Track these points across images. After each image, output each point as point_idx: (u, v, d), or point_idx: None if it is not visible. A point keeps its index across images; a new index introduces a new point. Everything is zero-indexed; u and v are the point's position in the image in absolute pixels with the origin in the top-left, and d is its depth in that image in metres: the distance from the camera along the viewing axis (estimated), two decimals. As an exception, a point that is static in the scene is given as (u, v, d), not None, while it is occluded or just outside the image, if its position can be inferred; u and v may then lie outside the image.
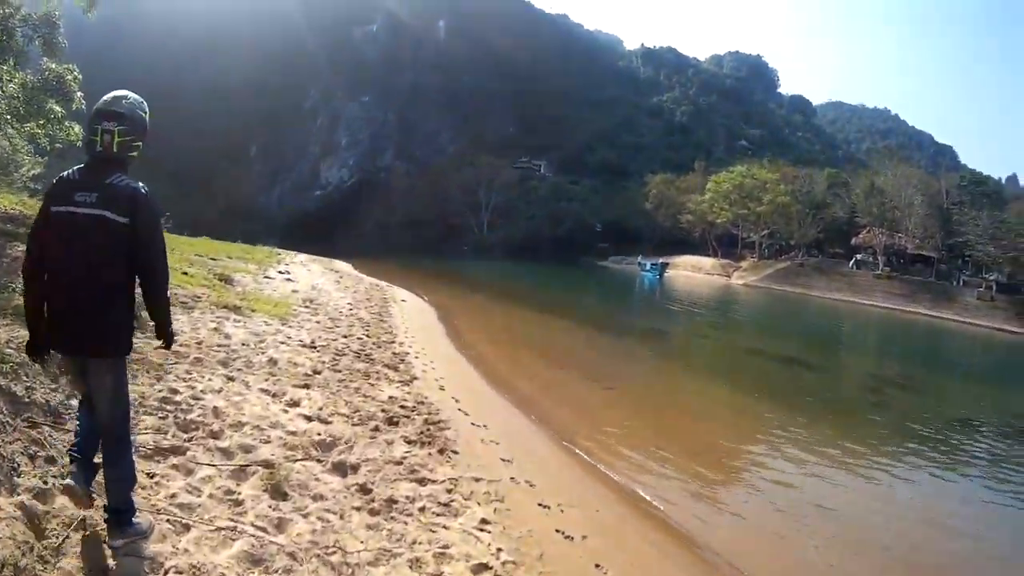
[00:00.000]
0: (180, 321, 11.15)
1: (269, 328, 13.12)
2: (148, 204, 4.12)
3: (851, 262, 79.94)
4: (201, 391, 7.98)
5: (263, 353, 10.91)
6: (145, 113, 4.36)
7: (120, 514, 4.25)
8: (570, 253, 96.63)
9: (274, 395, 8.87)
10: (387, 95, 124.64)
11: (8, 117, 18.78)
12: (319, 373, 10.58)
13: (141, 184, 4.12)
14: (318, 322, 15.48)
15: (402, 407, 9.70)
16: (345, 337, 14.33)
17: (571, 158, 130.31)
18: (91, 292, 3.97)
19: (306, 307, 17.56)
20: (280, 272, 25.99)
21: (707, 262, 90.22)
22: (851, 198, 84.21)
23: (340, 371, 11.02)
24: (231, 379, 9.00)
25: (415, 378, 11.81)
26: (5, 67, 17.89)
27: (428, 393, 10.92)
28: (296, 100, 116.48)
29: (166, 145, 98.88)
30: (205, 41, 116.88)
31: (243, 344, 11.18)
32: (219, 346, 10.60)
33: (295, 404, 8.71)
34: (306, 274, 28.61)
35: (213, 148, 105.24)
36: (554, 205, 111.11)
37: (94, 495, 4.35)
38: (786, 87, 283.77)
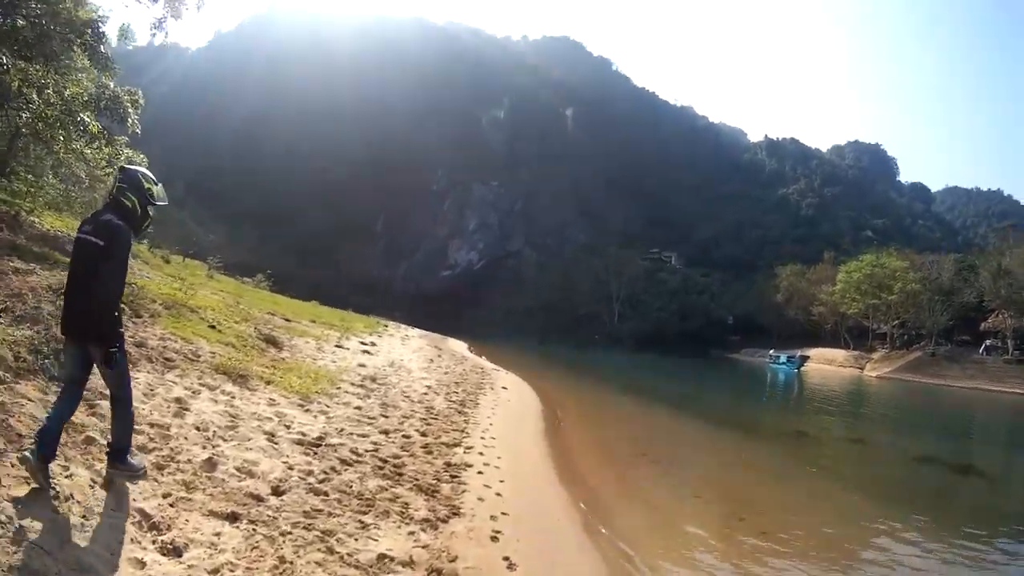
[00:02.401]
0: (141, 382, 8.20)
1: (268, 410, 9.36)
2: (120, 232, 5.35)
3: (981, 348, 73.99)
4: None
5: (208, 446, 7.01)
6: (147, 185, 5.68)
7: (121, 451, 5.54)
8: (700, 345, 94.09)
9: (147, 529, 5.24)
10: (515, 182, 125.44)
11: (39, 126, 18.14)
12: (280, 493, 6.43)
13: (117, 220, 5.39)
14: (358, 408, 11.46)
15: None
16: (385, 434, 10.18)
17: (699, 251, 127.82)
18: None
19: (361, 386, 13.73)
20: (363, 343, 22.83)
21: (839, 354, 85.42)
22: (979, 282, 78.48)
23: (325, 493, 6.79)
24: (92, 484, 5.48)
25: (456, 513, 7.34)
26: (34, 68, 17.21)
27: (463, 548, 6.36)
28: (424, 181, 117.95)
29: (292, 213, 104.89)
30: (333, 107, 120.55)
31: (196, 428, 7.35)
32: (154, 427, 6.99)
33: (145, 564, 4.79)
34: (397, 348, 25.35)
35: (339, 221, 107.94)
36: (684, 298, 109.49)
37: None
38: (904, 173, 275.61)
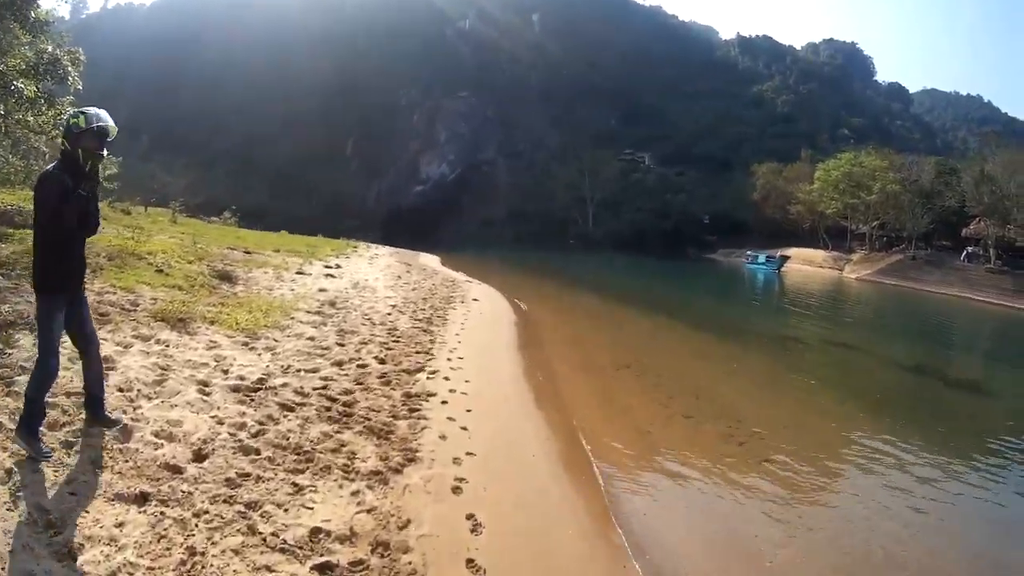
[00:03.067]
0: (67, 346, 6.40)
1: (206, 354, 8.47)
2: (41, 179, 5.39)
3: (962, 255, 72.38)
4: None
5: (129, 410, 6.24)
6: (72, 120, 5.54)
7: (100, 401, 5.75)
8: (677, 246, 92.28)
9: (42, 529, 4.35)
10: (486, 91, 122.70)
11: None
12: (202, 459, 5.58)
13: (48, 167, 5.41)
14: (311, 339, 10.53)
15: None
16: (339, 365, 9.27)
17: (675, 150, 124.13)
18: None
19: (318, 313, 12.87)
20: (327, 267, 21.85)
21: (818, 255, 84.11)
22: (960, 187, 76.98)
23: (256, 450, 5.91)
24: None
25: (412, 459, 6.46)
26: None
27: (417, 506, 5.49)
28: (390, 98, 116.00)
29: (262, 148, 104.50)
30: (294, 42, 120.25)
31: (118, 390, 6.54)
32: (71, 396, 6.25)
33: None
34: (363, 269, 24.22)
35: (309, 149, 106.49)
36: (660, 198, 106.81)
37: None
38: (881, 74, 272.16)
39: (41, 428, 5.13)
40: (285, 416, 6.79)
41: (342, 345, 10.36)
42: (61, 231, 5.28)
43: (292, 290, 15.25)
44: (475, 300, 18.93)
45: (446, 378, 9.47)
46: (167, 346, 8.36)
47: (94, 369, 5.67)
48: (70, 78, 19.13)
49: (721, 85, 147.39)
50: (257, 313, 11.35)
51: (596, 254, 75.60)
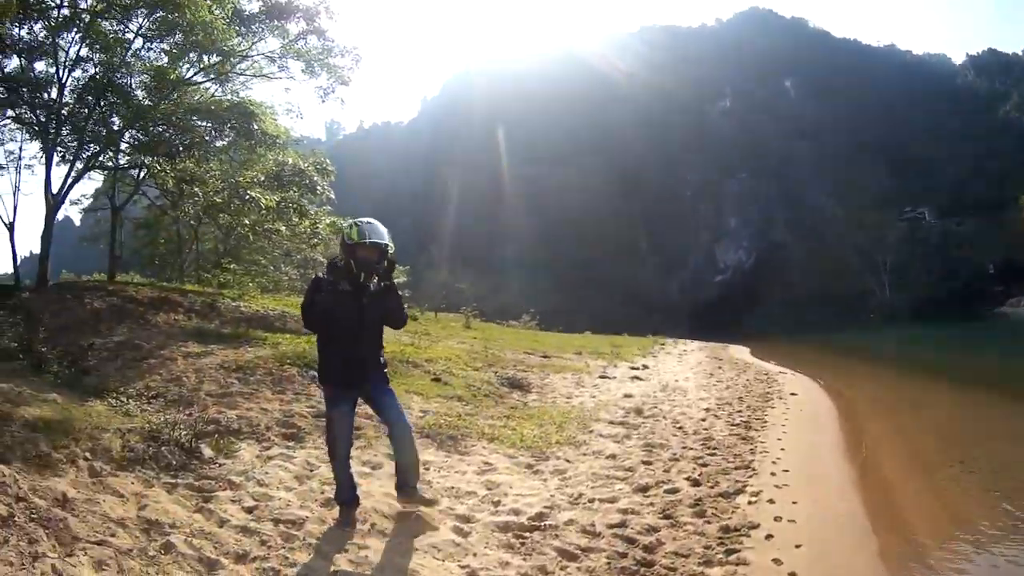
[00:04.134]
0: (298, 461, 7.39)
1: (475, 480, 7.59)
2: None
3: None
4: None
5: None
6: (345, 231, 5.97)
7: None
8: (966, 303, 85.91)
9: None
10: (759, 169, 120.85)
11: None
12: None
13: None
14: (612, 456, 9.09)
15: None
16: (643, 491, 7.67)
17: (947, 198, 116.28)
18: None
19: (622, 423, 11.46)
20: (633, 367, 20.77)
21: None
22: None
23: None
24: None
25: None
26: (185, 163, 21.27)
27: None
28: (673, 190, 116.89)
29: (553, 251, 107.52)
30: (563, 141, 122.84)
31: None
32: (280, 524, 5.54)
33: None
34: (672, 368, 22.74)
35: (601, 249, 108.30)
36: (945, 254, 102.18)
37: None
38: None
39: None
40: (563, 569, 5.30)
41: (648, 463, 8.80)
42: (325, 325, 5.79)
43: (594, 397, 14.19)
44: (793, 395, 16.64)
45: (770, 500, 7.55)
46: (427, 469, 7.39)
47: (401, 457, 6.06)
48: (319, 187, 20.26)
49: (969, 116, 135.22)
50: (549, 427, 10.28)
51: (894, 326, 72.26)
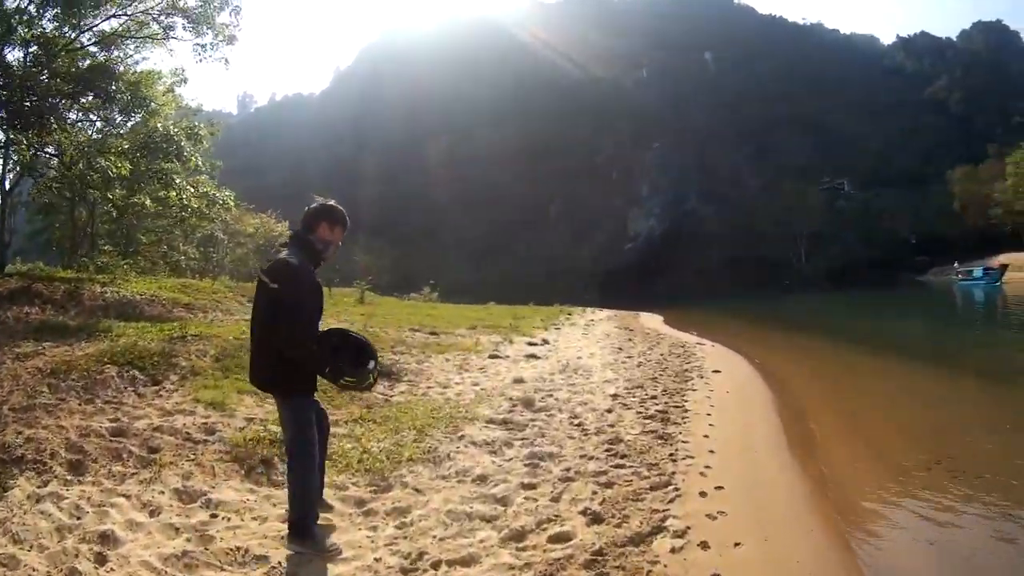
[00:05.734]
0: (69, 500, 5.61)
1: (269, 536, 5.34)
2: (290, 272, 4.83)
3: None
4: None
5: None
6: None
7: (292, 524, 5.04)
8: (887, 272, 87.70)
9: None
10: (677, 139, 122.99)
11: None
12: None
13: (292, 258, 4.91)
14: (480, 478, 6.79)
15: None
16: (517, 541, 5.38)
17: (869, 172, 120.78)
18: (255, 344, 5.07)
19: (505, 422, 9.08)
20: (532, 343, 18.55)
21: None
22: None
23: None
24: None
25: None
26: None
27: None
28: (585, 159, 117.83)
29: (459, 223, 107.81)
30: (480, 110, 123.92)
31: None
32: None
33: None
34: (577, 342, 20.36)
35: (510, 218, 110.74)
36: (865, 224, 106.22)
37: None
38: None
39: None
40: None
41: (531, 487, 6.41)
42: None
43: (476, 384, 11.91)
44: (716, 372, 14.33)
45: (703, 544, 5.17)
46: (214, 516, 5.50)
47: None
48: (186, 154, 19.07)
49: (896, 94, 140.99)
50: (406, 433, 7.97)
51: (812, 293, 72.07)
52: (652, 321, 33.50)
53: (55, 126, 19.28)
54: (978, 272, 67.49)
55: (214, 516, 5.40)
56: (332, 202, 5.21)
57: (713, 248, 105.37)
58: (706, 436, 8.72)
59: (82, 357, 9.40)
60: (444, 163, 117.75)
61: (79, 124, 22.49)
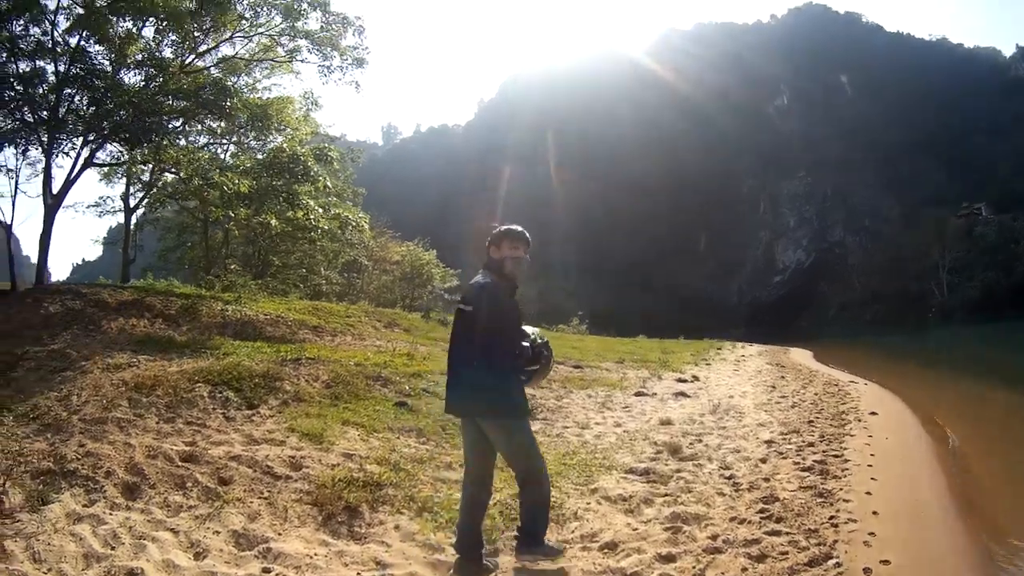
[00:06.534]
0: (109, 525, 5.22)
1: None
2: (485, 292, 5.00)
3: None
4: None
5: None
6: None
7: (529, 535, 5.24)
8: None
9: None
10: (819, 166, 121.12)
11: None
12: None
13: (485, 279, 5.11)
14: (610, 546, 5.91)
15: None
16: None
17: (1005, 194, 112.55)
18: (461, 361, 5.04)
19: (645, 474, 8.18)
20: (681, 380, 17.73)
21: None
22: None
23: None
24: None
25: None
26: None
27: None
28: (730, 190, 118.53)
29: (605, 253, 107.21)
30: (619, 145, 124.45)
31: None
32: None
33: None
34: (726, 379, 19.43)
35: (658, 251, 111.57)
36: (1005, 250, 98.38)
37: None
38: None
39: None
40: None
41: (670, 559, 5.52)
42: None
43: (619, 425, 11.13)
44: (873, 415, 13.08)
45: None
46: (249, 568, 4.90)
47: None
48: (313, 174, 20.69)
49: (1019, 107, 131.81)
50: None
51: (956, 326, 71.41)
52: (803, 357, 32.30)
53: (166, 143, 19.99)
54: None
55: (266, 572, 4.80)
56: (511, 226, 5.36)
57: (856, 281, 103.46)
58: (868, 493, 7.71)
59: (175, 373, 9.18)
60: (579, 194, 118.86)
61: (196, 142, 23.83)
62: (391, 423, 9.12)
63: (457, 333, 5.08)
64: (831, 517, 6.77)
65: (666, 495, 7.33)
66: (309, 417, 8.50)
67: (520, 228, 5.35)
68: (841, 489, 7.78)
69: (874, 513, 6.98)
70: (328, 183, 22.80)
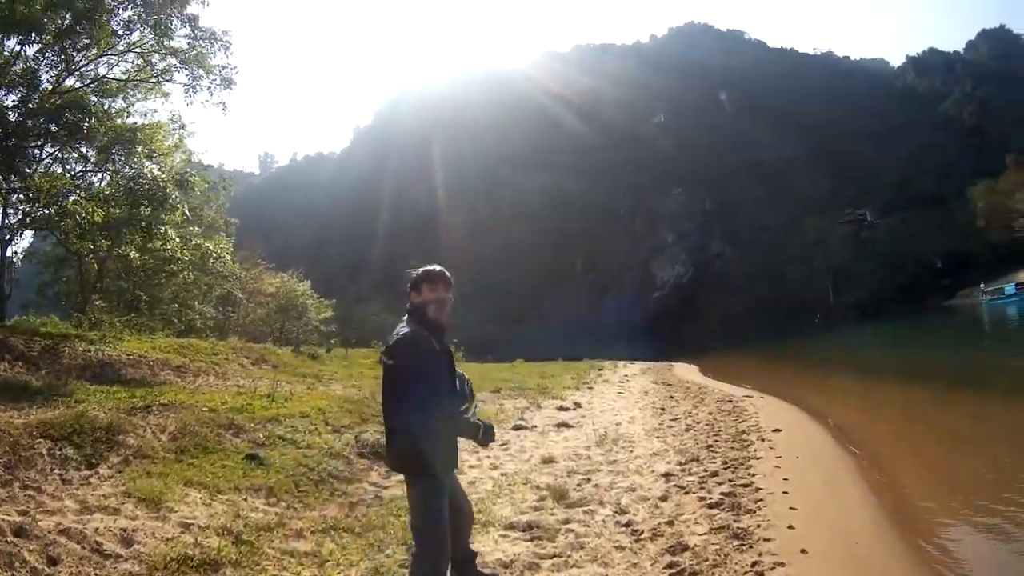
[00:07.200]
0: None
1: None
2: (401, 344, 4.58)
3: None
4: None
5: None
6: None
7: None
8: (914, 298, 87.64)
9: None
10: (696, 182, 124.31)
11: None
12: None
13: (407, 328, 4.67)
14: None
15: None
16: None
17: (890, 198, 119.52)
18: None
19: (529, 528, 6.98)
20: (562, 409, 16.61)
21: None
22: None
23: None
24: None
25: None
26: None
27: None
28: (607, 210, 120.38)
29: (484, 279, 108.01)
30: (497, 171, 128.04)
31: None
32: None
33: None
34: (611, 403, 18.36)
35: (535, 274, 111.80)
36: (890, 252, 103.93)
37: None
38: None
39: None
40: None
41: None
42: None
43: (496, 468, 9.78)
44: (776, 432, 12.07)
45: None
46: None
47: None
48: (169, 202, 19.37)
49: (908, 115, 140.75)
50: (393, 548, 6.10)
51: (842, 329, 71.07)
52: (688, 372, 31.80)
53: (22, 166, 18.76)
54: (1009, 289, 67.33)
55: None
56: (429, 266, 5.08)
57: (739, 292, 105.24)
58: (791, 527, 6.62)
59: (19, 427, 7.76)
60: (462, 221, 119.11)
61: (73, 170, 22.46)
62: (238, 481, 7.80)
63: (383, 387, 4.76)
64: (754, 563, 5.65)
65: (555, 555, 6.09)
66: (150, 477, 7.29)
67: (439, 267, 5.06)
68: (759, 526, 6.66)
69: (802, 552, 5.92)
70: (187, 211, 21.29)
